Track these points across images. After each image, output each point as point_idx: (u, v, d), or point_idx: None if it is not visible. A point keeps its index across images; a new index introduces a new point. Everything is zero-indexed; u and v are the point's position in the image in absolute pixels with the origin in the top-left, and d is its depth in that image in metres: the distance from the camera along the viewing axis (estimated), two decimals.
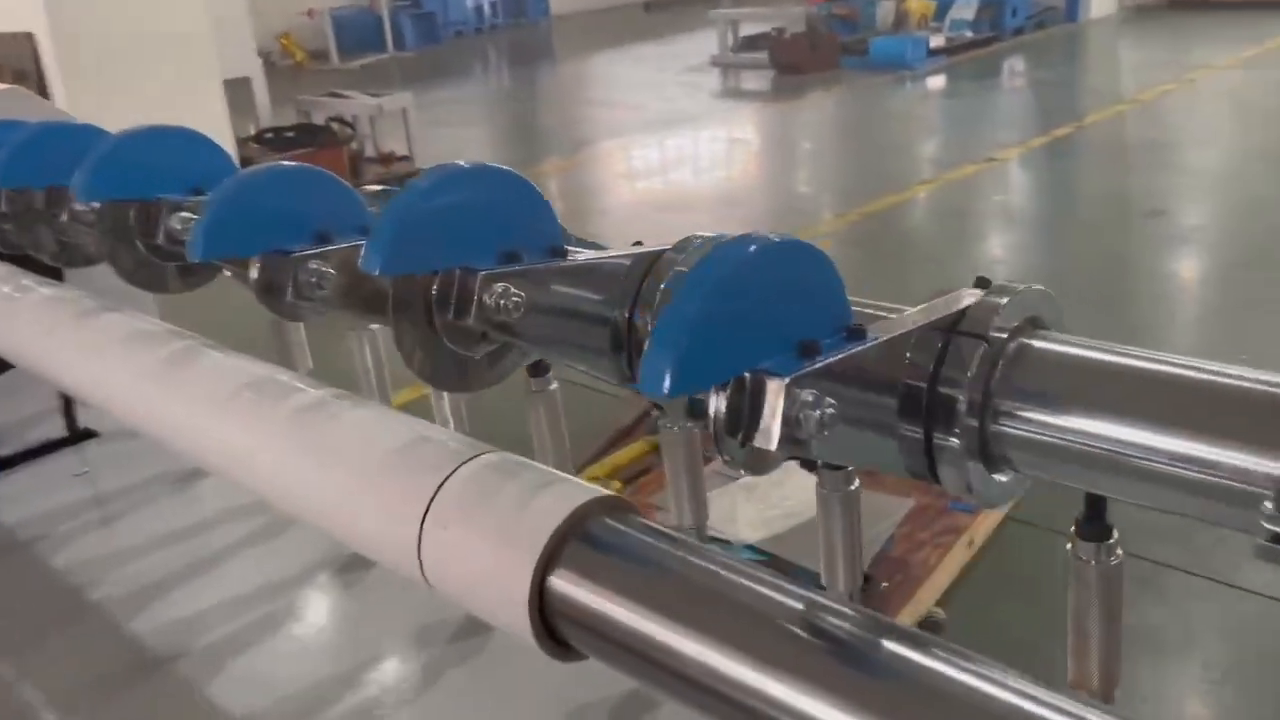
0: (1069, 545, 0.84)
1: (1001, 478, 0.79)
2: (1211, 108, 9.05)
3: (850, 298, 0.73)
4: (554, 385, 1.21)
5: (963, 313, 0.75)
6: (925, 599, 2.88)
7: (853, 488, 0.99)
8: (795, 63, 11.46)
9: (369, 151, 8.47)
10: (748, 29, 12.80)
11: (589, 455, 3.56)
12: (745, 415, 0.63)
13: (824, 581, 1.22)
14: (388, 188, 1.28)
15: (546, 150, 9.80)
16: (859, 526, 1.14)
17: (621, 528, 0.78)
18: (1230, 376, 0.68)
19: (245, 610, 1.45)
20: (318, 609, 1.49)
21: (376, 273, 0.77)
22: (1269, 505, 0.61)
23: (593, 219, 7.22)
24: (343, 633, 1.45)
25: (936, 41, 11.56)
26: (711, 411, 0.62)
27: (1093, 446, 0.71)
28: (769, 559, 2.82)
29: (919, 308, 0.77)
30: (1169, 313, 5.17)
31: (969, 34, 11.89)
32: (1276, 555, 0.61)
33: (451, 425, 1.50)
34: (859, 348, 0.67)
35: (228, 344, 1.12)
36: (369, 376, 1.60)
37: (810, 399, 0.63)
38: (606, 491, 0.81)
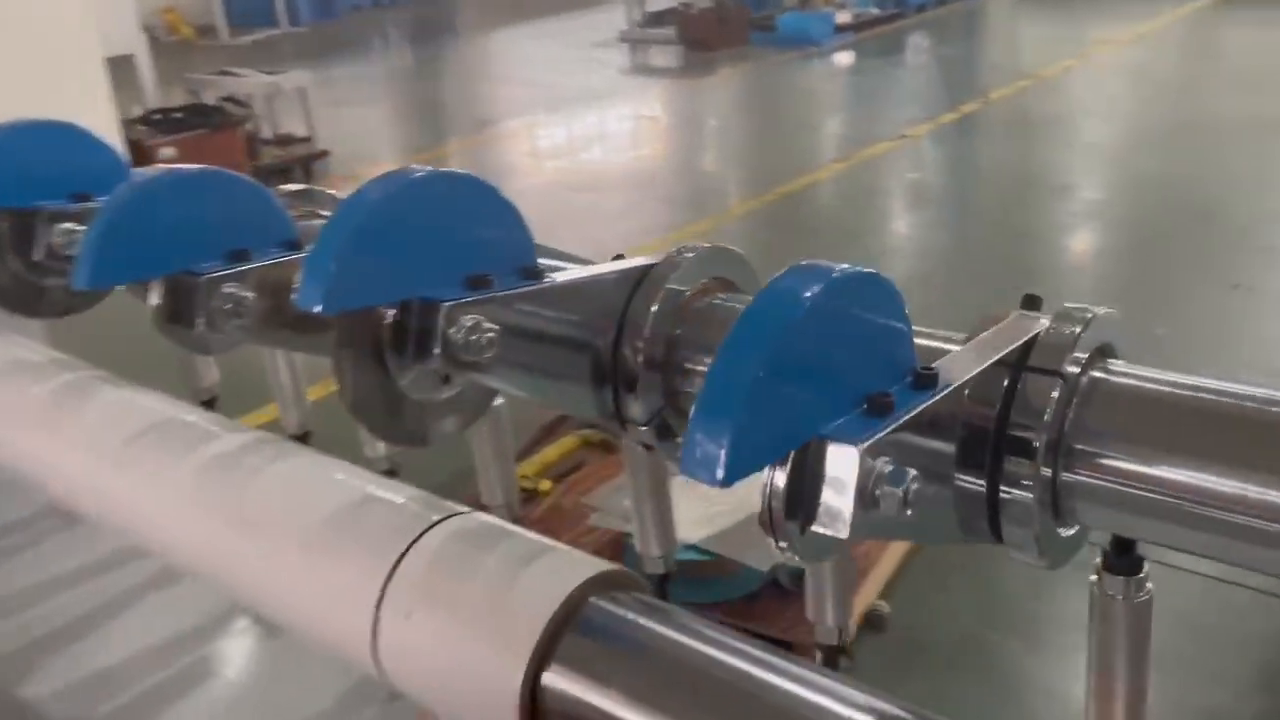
0: (1094, 578, 0.75)
1: (1068, 532, 0.68)
2: (1111, 82, 9.23)
3: None
4: (499, 402, 1.07)
5: (1030, 344, 0.64)
6: (869, 592, 2.82)
7: None
8: (703, 39, 11.35)
9: (265, 133, 8.09)
10: (655, 4, 12.63)
11: (515, 452, 3.40)
12: (807, 494, 0.50)
13: (810, 615, 1.11)
14: (310, 188, 1.12)
15: (451, 130, 9.53)
16: (851, 560, 1.03)
17: (625, 613, 0.65)
18: None
19: (154, 667, 1.28)
20: (237, 662, 1.32)
21: (317, 310, 0.62)
22: None
23: None
24: (268, 690, 1.28)
25: (843, 18, 11.58)
26: (767, 490, 0.50)
27: (1188, 499, 0.61)
28: (711, 557, 2.72)
29: (977, 338, 0.65)
30: (1078, 286, 5.22)
31: (874, 10, 11.94)
32: None
33: (381, 448, 1.35)
34: (933, 398, 0.55)
35: (125, 354, 0.95)
36: (285, 392, 1.44)
37: (889, 470, 0.50)
38: (605, 565, 0.67)
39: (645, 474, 1.07)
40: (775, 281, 0.50)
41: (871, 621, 2.80)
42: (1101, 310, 0.66)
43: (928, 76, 10.35)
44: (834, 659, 1.11)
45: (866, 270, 0.52)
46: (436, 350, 0.66)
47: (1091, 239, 5.95)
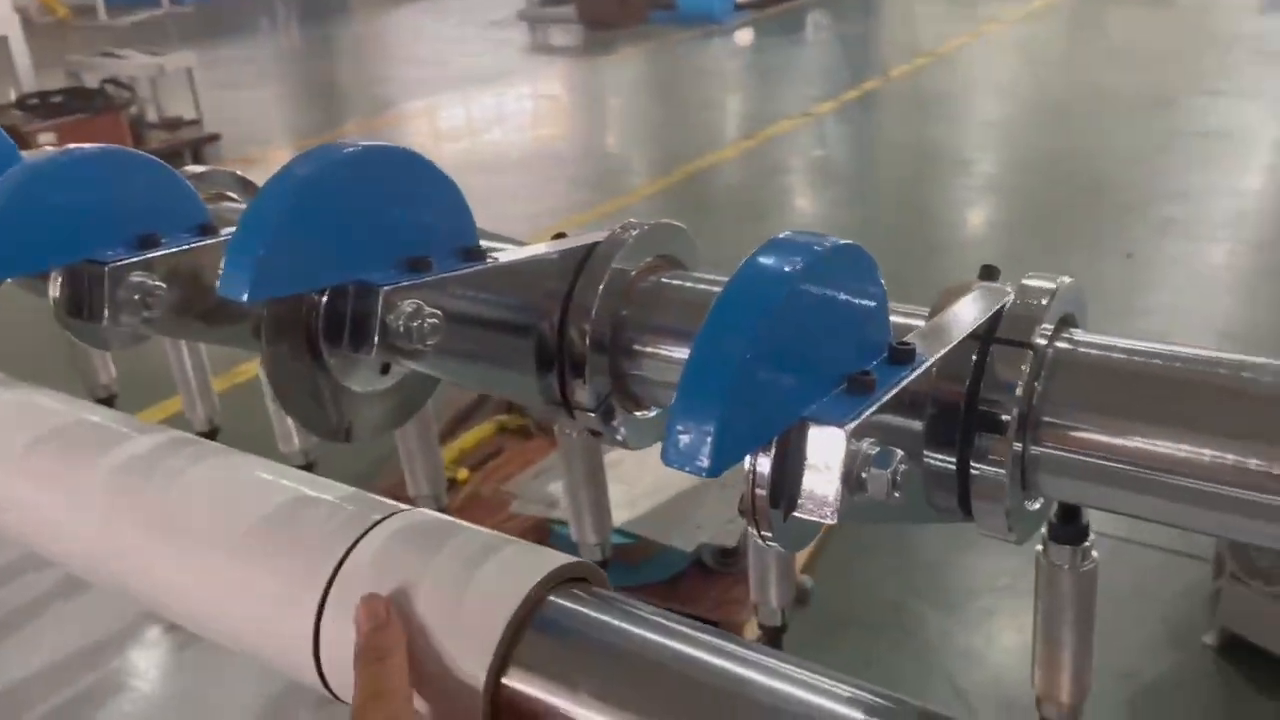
0: (1040, 548, 0.75)
1: (1035, 505, 0.67)
2: (1005, 59, 9.47)
3: None
4: None
5: (997, 316, 0.62)
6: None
7: None
8: (603, 17, 11.26)
9: (151, 116, 7.76)
10: None
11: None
12: (790, 480, 0.47)
13: (754, 595, 1.11)
14: (213, 169, 1.05)
15: (348, 112, 9.29)
16: None
17: (588, 610, 0.61)
18: None
19: (63, 682, 1.20)
20: (152, 674, 1.25)
21: (243, 299, 0.57)
22: None
23: None
24: (186, 702, 1.21)
25: None
26: (751, 478, 0.47)
27: (1160, 468, 0.60)
28: (635, 540, 2.70)
29: (944, 311, 0.63)
30: (981, 259, 5.32)
31: None
32: None
33: (297, 442, 1.29)
34: (912, 373, 0.53)
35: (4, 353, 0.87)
36: (190, 387, 1.37)
37: (874, 452, 0.48)
38: (564, 557, 0.64)
39: (580, 460, 1.03)
40: (755, 258, 0.47)
41: (796, 596, 2.82)
42: (1066, 279, 0.65)
43: (829, 54, 10.46)
44: (777, 639, 1.10)
45: (846, 243, 0.49)
46: (375, 338, 0.62)
47: (991, 213, 6.10)
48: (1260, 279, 4.85)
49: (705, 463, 0.43)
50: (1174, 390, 0.61)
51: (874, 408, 0.49)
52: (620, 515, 2.70)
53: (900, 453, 0.48)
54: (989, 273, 0.69)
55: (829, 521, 0.47)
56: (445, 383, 0.77)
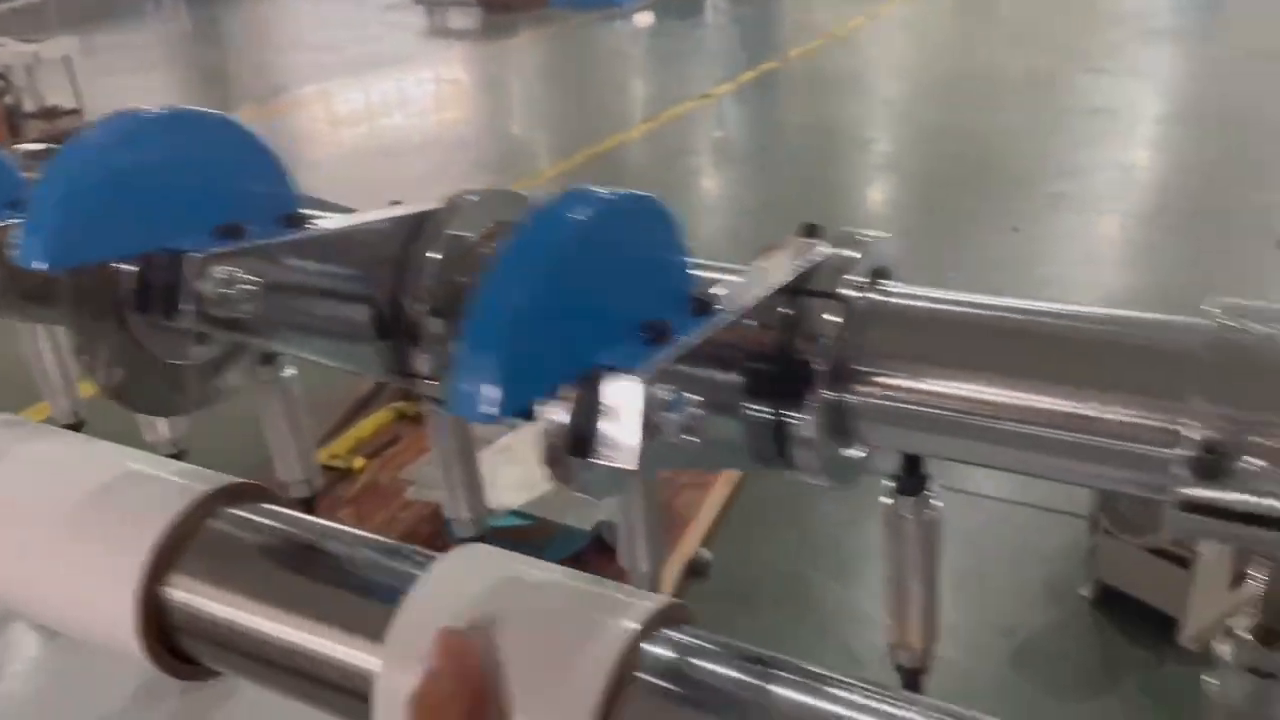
0: (888, 501, 0.77)
1: (858, 453, 0.69)
2: (898, 39, 9.65)
3: None
4: (289, 372, 1.01)
5: (811, 270, 0.64)
6: (691, 542, 2.87)
7: None
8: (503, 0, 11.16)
9: (28, 106, 7.45)
10: None
11: (326, 430, 3.28)
12: (588, 427, 0.48)
13: (624, 563, 1.11)
14: (51, 146, 1.01)
15: (240, 97, 9.03)
16: (658, 502, 1.02)
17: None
18: (1118, 323, 0.60)
19: None
20: (16, 672, 1.21)
21: (43, 268, 0.55)
22: (1181, 470, 0.54)
23: (302, 171, 6.65)
24: (54, 698, 1.18)
25: None
26: (544, 426, 0.47)
27: (968, 412, 0.62)
28: (534, 522, 2.70)
29: (758, 266, 0.65)
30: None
31: None
32: (1192, 526, 0.54)
33: (163, 430, 1.26)
34: (713, 325, 0.54)
35: None
36: (50, 377, 1.32)
37: (669, 397, 0.49)
38: (656, 598, 0.54)
39: (449, 437, 1.03)
40: (543, 206, 0.47)
41: (695, 569, 2.85)
42: (879, 234, 0.67)
43: (727, 36, 10.53)
44: None
45: (639, 194, 0.50)
46: (185, 307, 0.60)
47: (887, 189, 6.22)
48: (1143, 250, 5.06)
49: (487, 409, 0.43)
50: (982, 338, 0.63)
51: (669, 356, 0.49)
52: (519, 497, 2.70)
53: (692, 397, 0.49)
54: (810, 230, 0.70)
55: (629, 467, 0.48)
56: (343, 373, 0.75)
